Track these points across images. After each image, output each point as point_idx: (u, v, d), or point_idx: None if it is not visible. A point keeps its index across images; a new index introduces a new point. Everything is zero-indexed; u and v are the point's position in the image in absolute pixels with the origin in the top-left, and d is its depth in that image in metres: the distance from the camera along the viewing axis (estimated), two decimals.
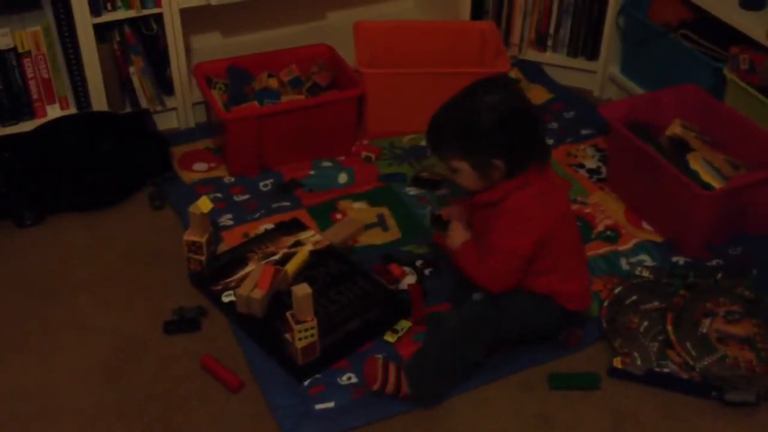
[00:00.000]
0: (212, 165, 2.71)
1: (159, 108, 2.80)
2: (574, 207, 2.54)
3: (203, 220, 2.25)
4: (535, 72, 3.17)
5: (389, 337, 2.10)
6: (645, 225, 2.49)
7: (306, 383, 2.00)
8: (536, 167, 1.91)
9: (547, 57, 3.18)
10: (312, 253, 2.32)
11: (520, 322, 2.01)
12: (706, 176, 2.36)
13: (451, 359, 1.97)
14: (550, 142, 2.83)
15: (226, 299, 2.20)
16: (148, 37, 2.71)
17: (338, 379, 2.01)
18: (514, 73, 3.13)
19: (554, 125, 2.93)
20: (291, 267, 2.24)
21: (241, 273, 2.27)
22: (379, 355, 2.03)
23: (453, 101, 1.92)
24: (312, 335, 1.99)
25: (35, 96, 2.67)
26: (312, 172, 2.67)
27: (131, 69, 2.72)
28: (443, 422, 1.95)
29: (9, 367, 2.06)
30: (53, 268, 2.34)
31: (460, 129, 1.87)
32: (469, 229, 2.04)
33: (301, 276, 2.24)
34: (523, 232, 1.89)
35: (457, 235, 2.01)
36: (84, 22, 2.56)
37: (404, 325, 2.13)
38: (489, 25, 2.97)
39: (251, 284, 2.14)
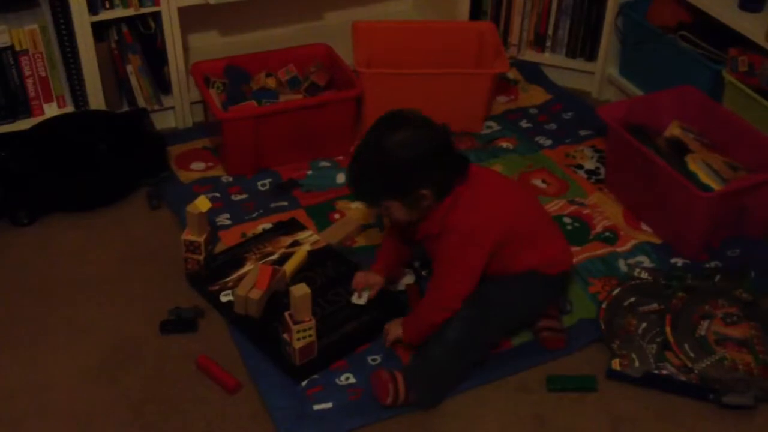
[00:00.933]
0: (210, 164, 2.70)
1: (156, 107, 2.80)
2: (573, 208, 2.54)
3: (201, 220, 2.24)
4: (533, 73, 3.16)
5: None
6: (643, 226, 2.49)
7: (304, 384, 1.99)
8: (460, 181, 1.93)
9: (545, 58, 3.17)
10: (310, 253, 2.32)
11: (514, 306, 2.02)
12: (705, 178, 2.36)
13: (455, 364, 1.97)
14: (549, 143, 2.84)
15: (223, 299, 2.19)
16: (145, 35, 2.71)
17: (336, 380, 2.01)
18: (512, 74, 3.13)
19: (553, 126, 2.93)
20: (289, 267, 2.24)
21: (239, 273, 2.26)
22: (379, 364, 2.04)
23: (363, 148, 1.92)
24: (310, 335, 1.99)
25: (32, 94, 2.67)
26: (310, 172, 2.67)
27: (129, 68, 2.72)
28: (441, 423, 1.94)
29: (4, 366, 2.05)
30: (49, 267, 2.33)
31: (379, 175, 1.89)
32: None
33: (298, 276, 2.23)
34: (470, 248, 1.92)
35: (393, 326, 2.04)
36: (82, 20, 2.55)
37: None
38: (487, 26, 2.96)
39: (249, 284, 2.13)
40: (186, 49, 2.86)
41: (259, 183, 2.62)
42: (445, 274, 1.95)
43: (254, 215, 2.50)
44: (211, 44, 3.06)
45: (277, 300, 2.15)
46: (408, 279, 2.28)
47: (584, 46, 3.10)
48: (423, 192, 1.88)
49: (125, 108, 2.79)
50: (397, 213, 1.94)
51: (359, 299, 2.16)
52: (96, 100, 2.69)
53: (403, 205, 1.92)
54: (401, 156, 1.85)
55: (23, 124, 2.66)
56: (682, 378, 2.01)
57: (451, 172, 1.92)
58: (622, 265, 2.35)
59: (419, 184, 1.87)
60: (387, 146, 1.86)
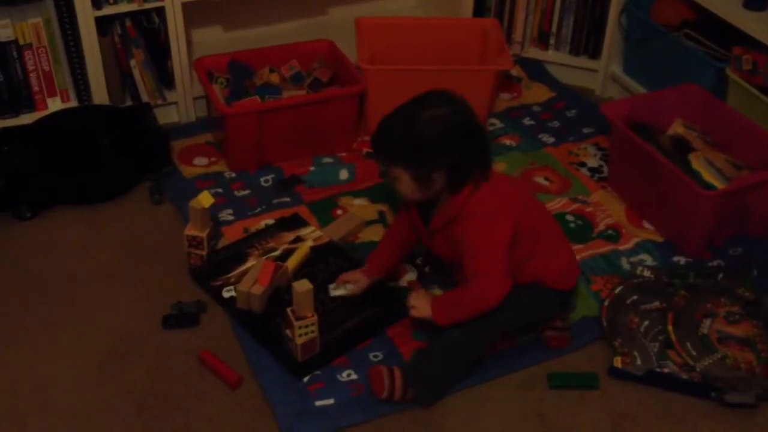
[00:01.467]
0: (213, 160, 2.70)
1: (159, 102, 2.80)
2: (575, 206, 2.54)
3: (204, 215, 2.24)
4: (537, 70, 3.16)
5: None
6: (646, 224, 2.49)
7: (305, 380, 1.99)
8: (479, 176, 1.90)
9: (549, 55, 3.17)
10: (312, 249, 2.32)
11: (519, 314, 2.00)
12: (708, 176, 2.36)
13: (455, 363, 1.97)
14: (552, 140, 2.84)
15: (225, 295, 2.20)
16: (149, 30, 2.70)
17: (338, 376, 2.01)
18: (516, 71, 3.13)
19: (556, 123, 2.93)
20: (291, 263, 2.24)
21: (241, 268, 2.26)
22: (381, 361, 2.04)
23: (400, 110, 1.90)
24: (312, 331, 1.99)
25: (36, 88, 2.67)
26: (313, 168, 2.67)
27: (132, 62, 2.71)
28: (443, 420, 1.94)
29: (5, 362, 2.05)
30: (51, 261, 2.33)
31: (404, 141, 1.86)
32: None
33: (301, 272, 2.23)
34: (496, 226, 1.89)
35: (422, 303, 1.97)
36: (85, 14, 2.55)
37: None
38: (491, 23, 2.96)
39: (251, 280, 2.13)
40: (189, 43, 2.86)
41: (261, 179, 2.62)
42: (478, 256, 1.88)
43: (257, 211, 2.50)
44: (215, 39, 3.06)
45: (279, 296, 2.15)
46: (410, 276, 2.28)
47: (588, 43, 3.09)
48: (436, 175, 1.86)
49: (128, 102, 2.79)
50: (404, 185, 1.90)
51: (336, 290, 2.15)
52: (99, 94, 2.69)
53: (412, 178, 1.88)
54: (430, 129, 1.82)
55: (26, 119, 2.66)
56: (684, 376, 2.00)
57: (471, 167, 1.88)
58: (624, 263, 2.34)
59: (435, 165, 1.84)
60: (423, 115, 1.84)
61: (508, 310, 1.96)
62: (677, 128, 2.53)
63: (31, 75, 2.64)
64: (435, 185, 1.88)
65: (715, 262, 2.35)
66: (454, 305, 1.95)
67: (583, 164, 2.73)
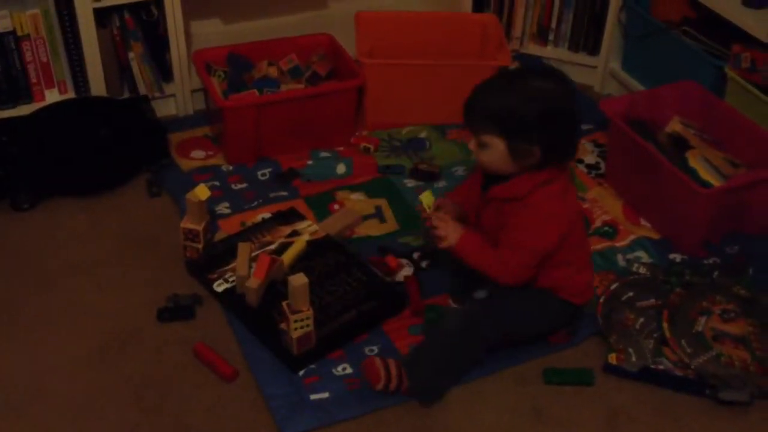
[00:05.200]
0: (210, 153, 2.70)
1: (158, 94, 2.79)
2: None
3: (200, 208, 2.24)
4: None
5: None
6: (643, 222, 2.49)
7: (301, 373, 2.00)
8: (561, 162, 1.88)
9: (548, 51, 3.16)
10: (309, 243, 2.32)
11: (523, 321, 1.98)
12: (705, 174, 2.36)
13: (452, 359, 1.95)
14: None
15: (221, 288, 2.20)
16: (147, 22, 2.70)
17: (333, 370, 2.01)
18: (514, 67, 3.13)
19: None
20: (287, 257, 2.24)
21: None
22: (376, 355, 2.03)
23: (502, 79, 1.84)
24: (308, 325, 1.99)
25: (34, 80, 2.66)
26: (310, 162, 2.66)
27: (130, 54, 2.71)
28: (438, 414, 1.95)
29: (2, 350, 2.06)
30: (48, 252, 2.33)
31: (506, 110, 1.78)
32: (467, 222, 2.01)
33: (297, 266, 2.23)
34: (547, 230, 1.86)
35: (451, 231, 1.92)
36: (84, 6, 2.54)
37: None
38: (491, 18, 2.96)
39: (243, 263, 2.13)
40: (188, 36, 2.85)
41: (259, 172, 2.62)
42: (517, 242, 1.86)
43: (254, 204, 2.50)
44: (214, 32, 3.05)
45: (275, 289, 2.15)
46: (407, 270, 2.28)
47: (587, 40, 3.09)
48: (534, 149, 1.80)
49: (126, 95, 2.79)
50: (493, 155, 1.83)
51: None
52: (97, 86, 2.69)
53: (507, 149, 1.81)
54: (542, 103, 1.77)
55: (24, 110, 2.66)
56: (679, 373, 2.01)
57: (567, 148, 1.85)
58: (620, 259, 2.35)
59: (537, 140, 1.78)
60: (536, 86, 1.78)
61: (515, 314, 1.96)
62: (675, 126, 2.53)
63: (29, 66, 2.63)
64: (529, 159, 1.82)
65: (711, 260, 2.35)
66: (480, 251, 1.90)
67: (580, 161, 2.73)
